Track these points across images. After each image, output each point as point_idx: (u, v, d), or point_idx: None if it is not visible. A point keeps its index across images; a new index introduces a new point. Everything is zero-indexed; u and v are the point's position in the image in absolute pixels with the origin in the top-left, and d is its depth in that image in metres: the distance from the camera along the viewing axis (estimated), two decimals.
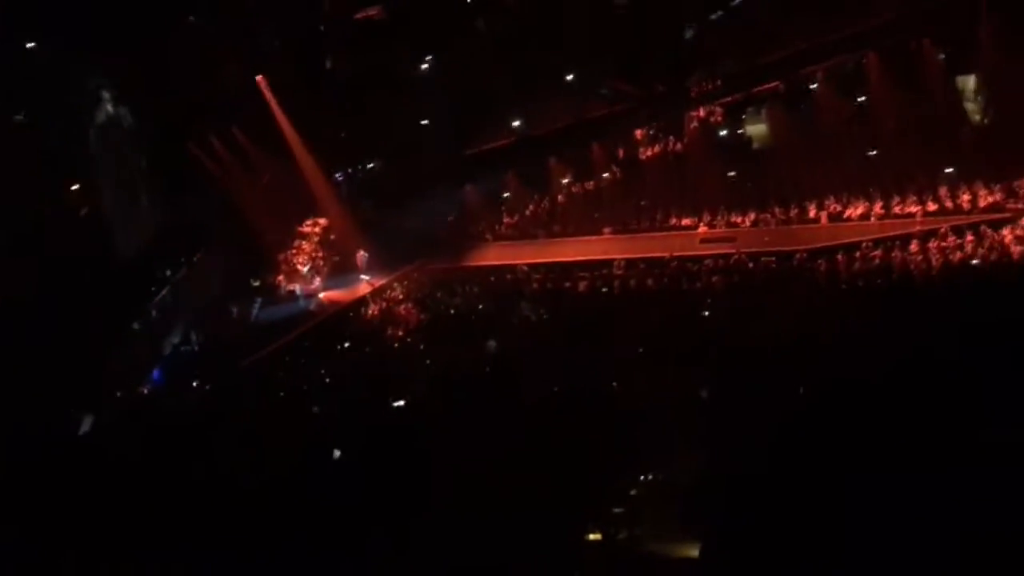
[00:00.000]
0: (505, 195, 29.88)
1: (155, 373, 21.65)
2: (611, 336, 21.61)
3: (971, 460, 12.39)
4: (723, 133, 29.76)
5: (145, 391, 20.97)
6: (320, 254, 28.23)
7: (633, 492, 13.99)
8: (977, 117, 28.07)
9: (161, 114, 27.05)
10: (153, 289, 23.46)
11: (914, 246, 22.73)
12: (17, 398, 16.80)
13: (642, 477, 14.23)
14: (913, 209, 24.21)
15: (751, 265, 23.63)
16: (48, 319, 18.52)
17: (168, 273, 24.31)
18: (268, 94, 28.42)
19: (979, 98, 28.49)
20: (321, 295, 26.23)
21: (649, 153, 30.26)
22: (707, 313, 21.89)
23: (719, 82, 29.63)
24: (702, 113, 29.59)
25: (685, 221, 26.42)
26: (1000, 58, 27.14)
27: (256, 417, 18.10)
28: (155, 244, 24.43)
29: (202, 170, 26.97)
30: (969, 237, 22.46)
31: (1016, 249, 21.58)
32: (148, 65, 24.72)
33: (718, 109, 29.36)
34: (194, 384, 21.45)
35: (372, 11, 32.89)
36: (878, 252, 22.87)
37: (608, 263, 25.08)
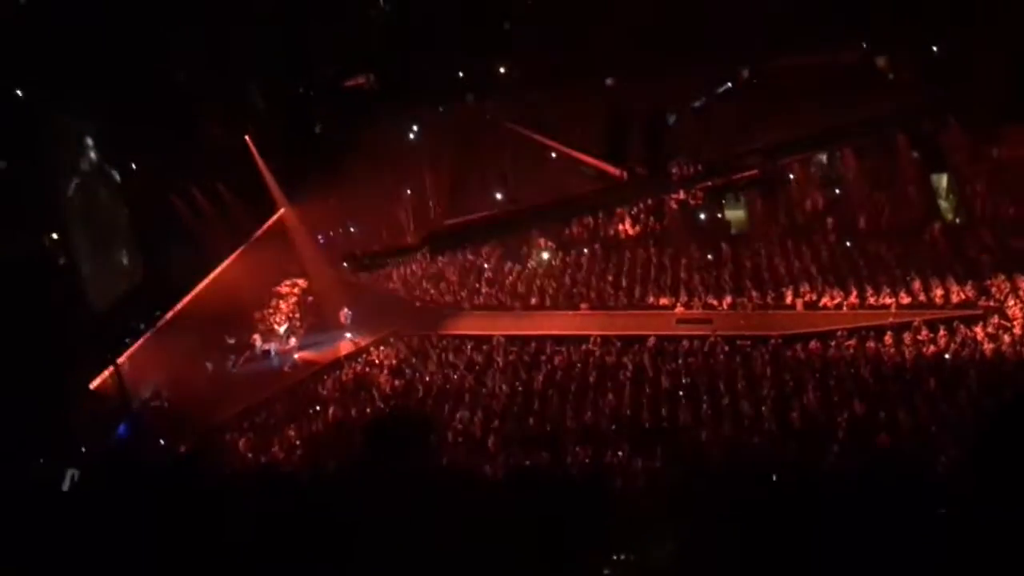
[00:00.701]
0: (485, 265, 30.07)
1: (121, 428, 21.16)
2: (584, 412, 21.55)
3: (946, 549, 12.31)
4: (702, 216, 30.36)
5: (110, 446, 20.47)
6: (297, 314, 28.09)
7: (606, 572, 13.72)
8: (950, 215, 28.88)
9: (145, 167, 27.14)
10: (126, 341, 23.13)
11: (888, 338, 23.02)
12: None
13: (614, 557, 13.99)
14: (887, 301, 24.63)
15: (727, 348, 23.76)
16: (19, 366, 18.17)
17: (142, 326, 24.00)
18: (255, 152, 28.69)
19: (951, 196, 29.39)
20: (296, 355, 25.99)
21: (629, 232, 30.74)
22: (682, 393, 21.88)
23: (700, 167, 30.34)
24: (682, 196, 30.17)
25: (663, 301, 26.64)
26: (973, 159, 28.16)
27: (224, 478, 17.70)
28: (131, 296, 24.16)
29: (184, 224, 26.95)
30: (942, 332, 22.81)
31: (988, 346, 21.91)
32: (134, 117, 24.87)
33: (698, 193, 29.98)
34: (161, 441, 20.99)
35: (361, 79, 33.53)
36: (852, 341, 23.13)
37: (584, 339, 25.07)
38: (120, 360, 22.45)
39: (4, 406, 17.23)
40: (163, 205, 26.56)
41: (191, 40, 26.39)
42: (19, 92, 22.37)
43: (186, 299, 25.88)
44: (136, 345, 23.53)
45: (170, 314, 25.22)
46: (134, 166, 26.51)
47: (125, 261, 25.17)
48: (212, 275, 27.27)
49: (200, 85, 27.60)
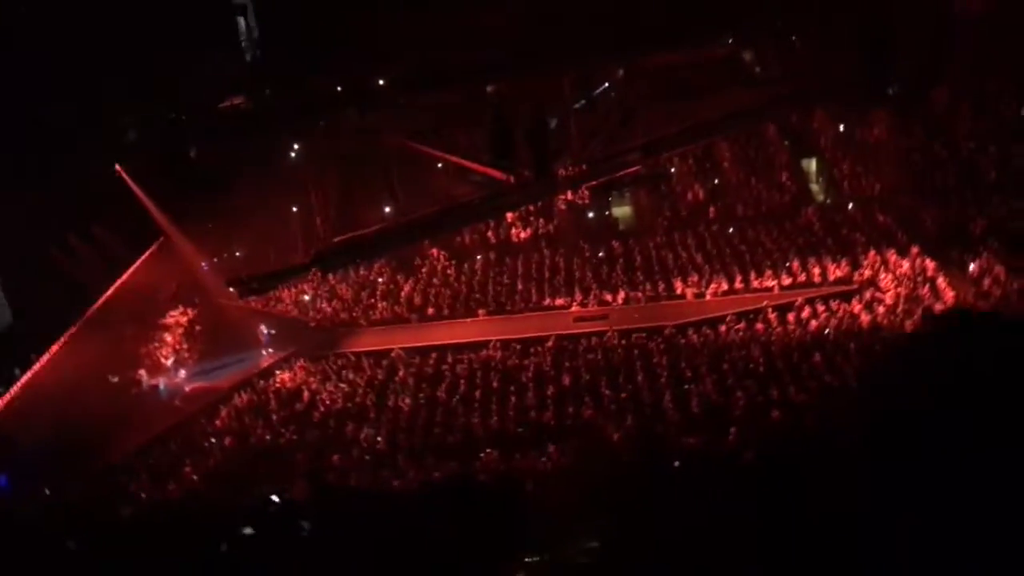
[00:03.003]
0: (378, 280, 29.71)
1: (1, 479, 19.88)
2: (490, 417, 21.54)
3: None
4: (591, 215, 30.88)
5: None
6: (185, 345, 27.03)
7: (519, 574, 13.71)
8: (821, 197, 30.33)
9: (10, 205, 25.72)
10: (1, 390, 21.76)
11: (773, 317, 23.93)
12: None
13: (527, 559, 14.00)
14: (770, 283, 25.62)
15: (623, 341, 24.20)
16: None
17: (17, 372, 22.65)
18: (130, 182, 27.56)
19: (821, 179, 30.88)
20: (187, 388, 25.01)
21: (521, 236, 30.96)
22: (585, 389, 22.13)
23: (584, 167, 30.80)
24: (570, 196, 30.58)
25: (559, 301, 26.93)
26: (840, 142, 29.68)
27: (115, 524, 16.85)
28: (5, 341, 22.81)
29: (57, 263, 25.62)
30: (821, 308, 23.86)
31: (865, 317, 23.05)
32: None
33: (585, 192, 30.45)
34: (46, 490, 19.81)
35: (237, 100, 32.65)
36: (741, 324, 23.93)
37: (484, 344, 25.08)
38: None
39: None
40: (33, 245, 25.18)
41: (56, 75, 25.22)
42: None
43: (62, 340, 24.54)
44: (13, 391, 22.14)
45: (46, 357, 23.86)
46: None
47: None
48: (90, 313, 25.98)
49: (65, 119, 26.37)
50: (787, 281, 25.58)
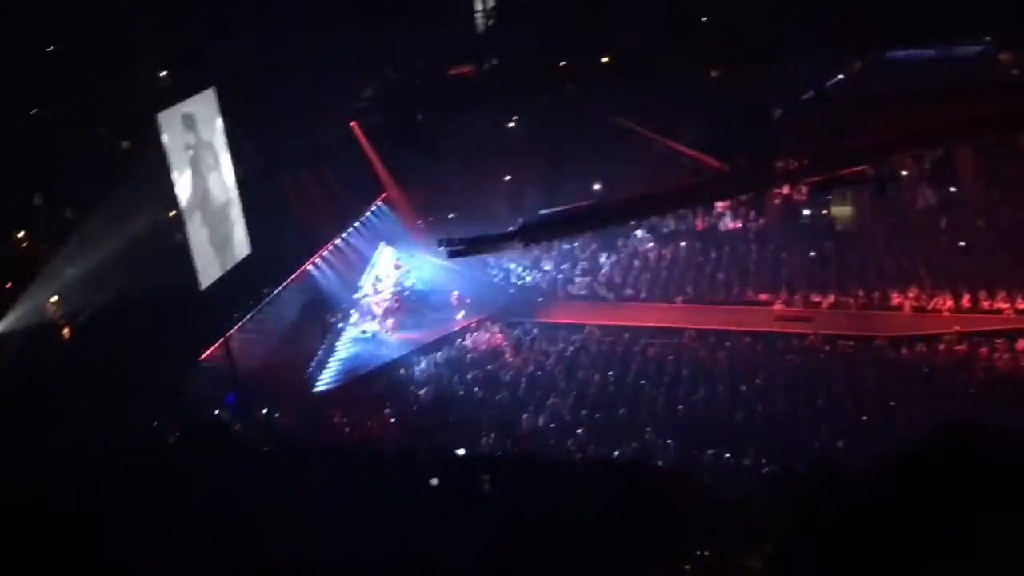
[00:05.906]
0: (581, 255, 30.06)
1: (229, 397, 22.20)
2: (676, 405, 21.36)
3: None
4: (807, 212, 29.57)
5: (217, 413, 21.55)
6: (396, 297, 28.78)
7: (687, 567, 13.63)
8: None
9: (256, 151, 28.17)
10: (235, 316, 24.09)
11: (1001, 344, 21.96)
12: (94, 417, 17.35)
13: (696, 553, 13.88)
14: (1003, 306, 23.48)
15: (827, 347, 23.11)
16: (133, 339, 19.30)
17: (250, 302, 24.96)
18: (362, 138, 29.50)
19: None
20: (393, 336, 26.66)
21: (730, 226, 30.22)
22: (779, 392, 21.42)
23: (806, 161, 29.43)
24: (786, 190, 29.44)
25: (762, 296, 26.10)
26: None
27: (321, 450, 18.42)
28: (241, 273, 25.14)
29: (291, 207, 27.89)
30: None
31: None
32: (245, 105, 25.84)
33: (803, 188, 29.19)
34: (264, 411, 21.95)
35: (465, 68, 33.90)
36: (963, 347, 22.15)
37: (679, 332, 24.78)
38: (229, 333, 23.46)
39: (123, 376, 18.35)
40: (273, 188, 27.55)
41: (302, 32, 27.22)
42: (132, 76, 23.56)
43: (292, 277, 26.77)
44: (244, 319, 24.50)
45: (277, 291, 26.13)
46: (246, 148, 27.52)
47: (236, 239, 26.19)
48: (317, 256, 28.14)
49: (308, 75, 28.45)
50: (1023, 305, 23.34)
